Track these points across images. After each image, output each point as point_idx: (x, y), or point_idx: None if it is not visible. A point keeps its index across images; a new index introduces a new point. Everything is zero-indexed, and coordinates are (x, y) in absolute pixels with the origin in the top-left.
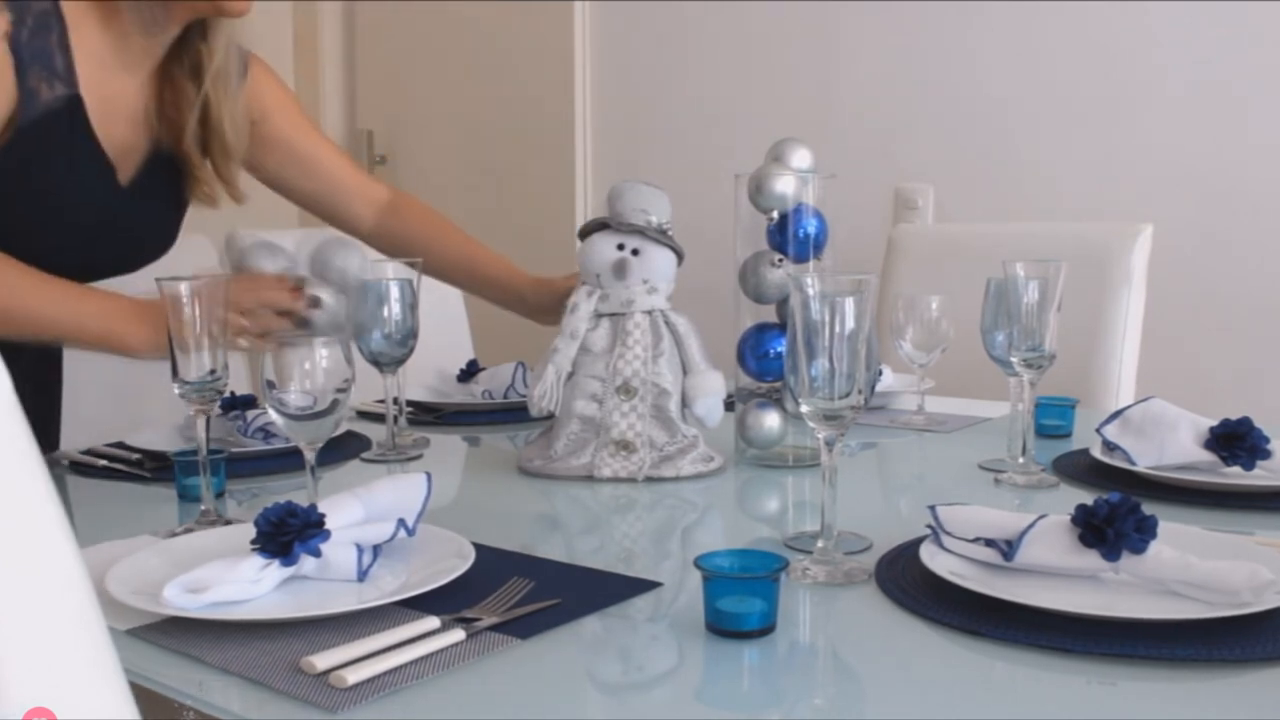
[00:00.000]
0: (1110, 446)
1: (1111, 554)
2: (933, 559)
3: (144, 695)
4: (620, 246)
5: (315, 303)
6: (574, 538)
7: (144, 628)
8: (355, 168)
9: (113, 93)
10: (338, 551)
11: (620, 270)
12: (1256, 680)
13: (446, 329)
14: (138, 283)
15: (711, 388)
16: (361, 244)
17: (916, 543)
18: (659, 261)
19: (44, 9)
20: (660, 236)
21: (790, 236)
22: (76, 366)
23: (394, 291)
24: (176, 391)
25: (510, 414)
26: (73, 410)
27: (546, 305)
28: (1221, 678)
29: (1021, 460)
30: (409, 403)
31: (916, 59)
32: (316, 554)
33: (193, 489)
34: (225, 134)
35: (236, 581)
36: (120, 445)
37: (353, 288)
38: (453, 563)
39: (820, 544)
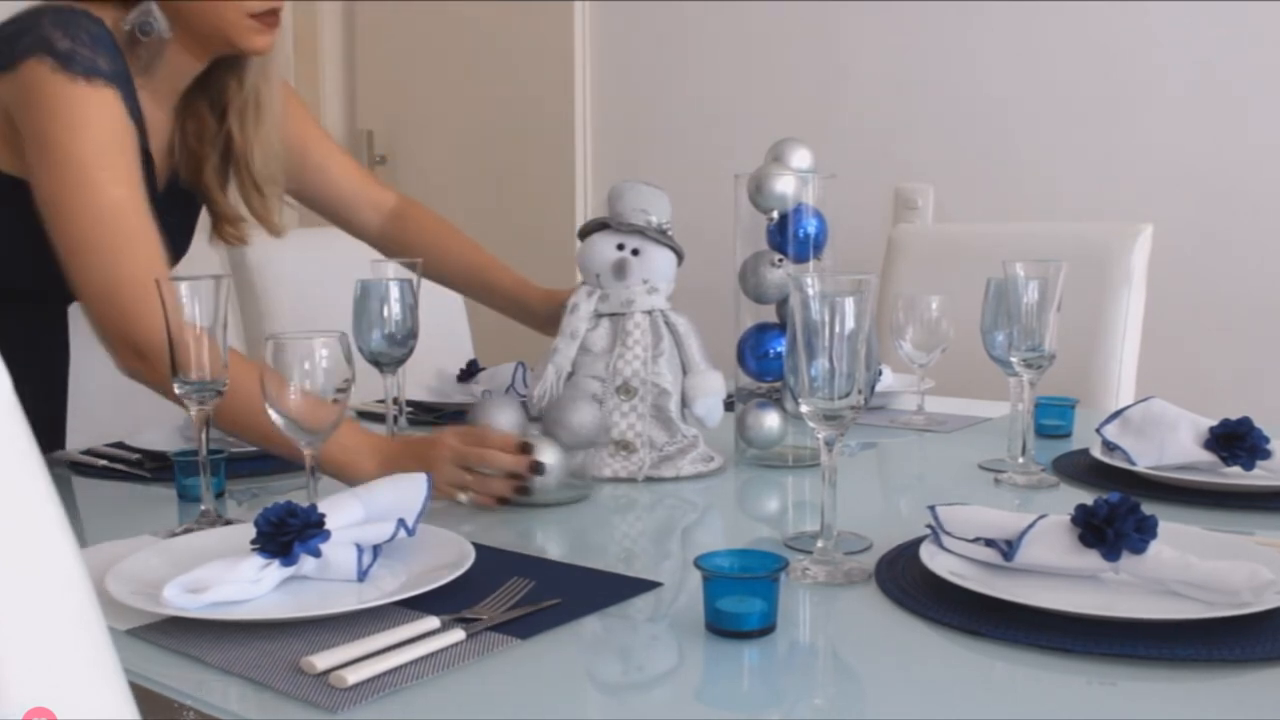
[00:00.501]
0: (1110, 446)
1: (1111, 554)
2: (933, 559)
3: (144, 695)
4: (620, 246)
5: (538, 469)
6: (574, 538)
7: (144, 628)
8: (362, 174)
9: (150, 127)
10: (338, 551)
11: (620, 270)
12: (1256, 680)
13: (446, 329)
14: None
15: (711, 388)
16: (595, 401)
17: (916, 543)
18: (659, 261)
19: (124, 72)
20: (660, 236)
21: (790, 236)
22: (78, 367)
23: (394, 291)
24: (177, 392)
25: None
26: (74, 410)
27: (555, 317)
28: (1221, 678)
29: (1021, 460)
30: (409, 403)
31: (916, 59)
32: (316, 554)
33: (193, 489)
34: (254, 168)
35: (236, 581)
36: (120, 445)
37: (585, 444)
38: (453, 563)
39: (820, 544)
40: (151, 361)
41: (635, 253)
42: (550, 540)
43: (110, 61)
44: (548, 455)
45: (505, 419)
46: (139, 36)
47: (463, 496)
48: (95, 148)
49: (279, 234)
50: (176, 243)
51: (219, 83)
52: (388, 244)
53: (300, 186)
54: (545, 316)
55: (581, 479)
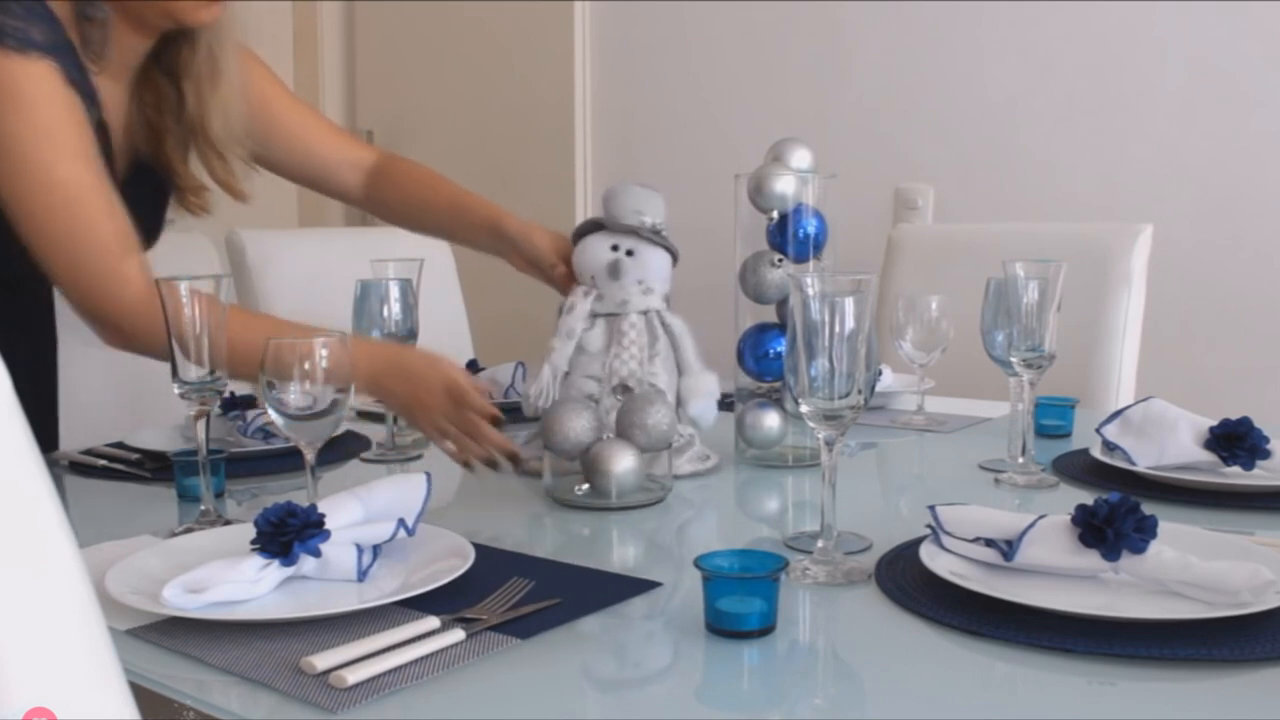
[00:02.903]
0: (1110, 446)
1: (1111, 554)
2: (933, 559)
3: (144, 695)
4: (614, 248)
5: (515, 460)
6: (573, 537)
7: (144, 628)
8: (337, 135)
9: (107, 105)
10: (338, 551)
11: (614, 271)
12: (1256, 680)
13: (446, 329)
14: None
15: (706, 389)
16: (669, 399)
17: (916, 543)
18: (653, 262)
19: (64, 42)
20: (654, 236)
21: (790, 236)
22: (75, 366)
23: (394, 291)
24: (176, 391)
25: (510, 414)
26: (73, 410)
27: (532, 252)
28: (1221, 678)
29: (1021, 460)
30: None
31: (916, 59)
32: (316, 554)
33: (192, 489)
34: (213, 133)
35: (236, 581)
36: (120, 445)
37: (661, 444)
38: (453, 563)
39: (820, 544)
40: (129, 333)
41: (629, 253)
42: (550, 540)
43: (45, 32)
44: (626, 458)
45: (580, 425)
46: (84, 20)
47: (450, 445)
48: (34, 126)
49: (243, 199)
50: (148, 221)
51: (173, 51)
52: (374, 205)
53: (269, 154)
54: (526, 253)
55: (658, 480)
